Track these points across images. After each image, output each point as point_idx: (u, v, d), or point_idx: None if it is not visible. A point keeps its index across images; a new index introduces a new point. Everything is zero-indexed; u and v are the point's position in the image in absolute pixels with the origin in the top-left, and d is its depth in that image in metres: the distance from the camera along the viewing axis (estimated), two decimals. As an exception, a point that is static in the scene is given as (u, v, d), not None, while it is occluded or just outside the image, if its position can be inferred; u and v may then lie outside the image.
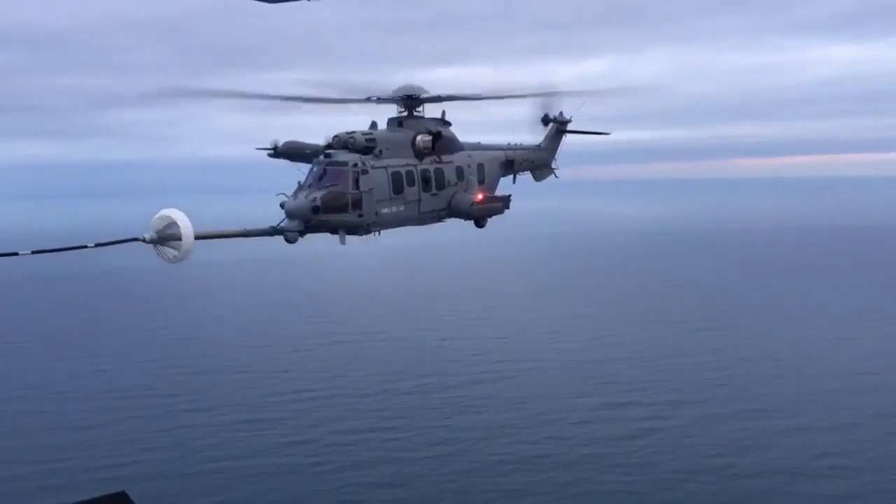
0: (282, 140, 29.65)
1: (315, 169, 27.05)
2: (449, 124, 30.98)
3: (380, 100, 29.14)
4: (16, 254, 21.47)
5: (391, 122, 29.80)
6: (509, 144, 35.66)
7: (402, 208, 28.31)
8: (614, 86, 32.67)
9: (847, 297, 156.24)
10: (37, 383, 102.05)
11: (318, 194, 25.96)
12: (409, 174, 28.57)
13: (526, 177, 37.20)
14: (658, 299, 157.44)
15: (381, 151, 27.78)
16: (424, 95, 29.36)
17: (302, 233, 26.08)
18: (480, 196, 30.73)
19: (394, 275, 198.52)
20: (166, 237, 22.44)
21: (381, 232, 28.25)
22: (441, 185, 29.73)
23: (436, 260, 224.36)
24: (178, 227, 22.26)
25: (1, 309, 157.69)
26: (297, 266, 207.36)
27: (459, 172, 30.63)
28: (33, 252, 21.50)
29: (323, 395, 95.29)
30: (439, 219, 30.45)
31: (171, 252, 22.55)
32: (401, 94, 29.15)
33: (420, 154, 28.97)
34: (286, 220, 26.03)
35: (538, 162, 37.20)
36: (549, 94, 34.48)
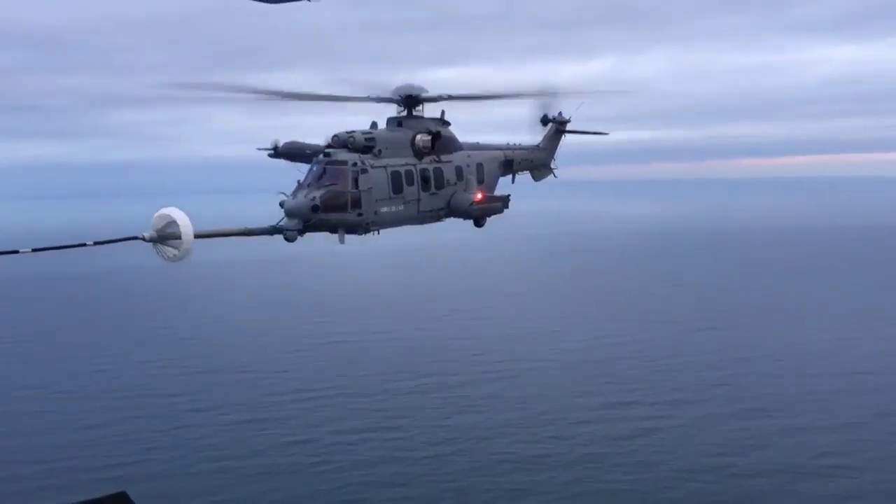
0: (282, 140, 29.68)
1: (314, 168, 27.06)
2: (448, 124, 31.00)
3: (379, 99, 29.16)
4: (16, 251, 21.48)
5: (390, 121, 29.81)
6: (508, 144, 35.67)
7: (401, 208, 28.32)
8: (612, 86, 32.63)
9: (847, 297, 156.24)
10: (37, 383, 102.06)
11: (318, 193, 25.97)
12: (409, 174, 28.58)
13: (525, 177, 37.21)
14: (658, 299, 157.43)
15: (380, 151, 27.79)
16: (424, 95, 29.37)
17: (301, 232, 26.08)
18: (480, 195, 30.73)
19: (394, 275, 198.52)
20: (166, 236, 22.44)
21: (381, 231, 28.25)
22: (440, 184, 29.73)
23: (436, 260, 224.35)
24: (177, 225, 22.25)
25: (1, 309, 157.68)
26: (298, 266, 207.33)
27: (459, 172, 30.63)
28: (34, 250, 21.51)
29: (324, 394, 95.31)
30: (438, 218, 30.45)
31: (170, 251, 22.55)
32: (400, 94, 29.16)
33: (419, 154, 28.98)
34: (286, 219, 26.04)
35: (537, 162, 37.20)
36: (547, 94, 34.45)
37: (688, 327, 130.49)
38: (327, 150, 27.40)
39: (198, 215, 23.55)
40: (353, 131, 27.72)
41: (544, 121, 37.38)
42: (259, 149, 30.30)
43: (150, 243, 22.53)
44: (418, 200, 28.98)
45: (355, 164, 26.85)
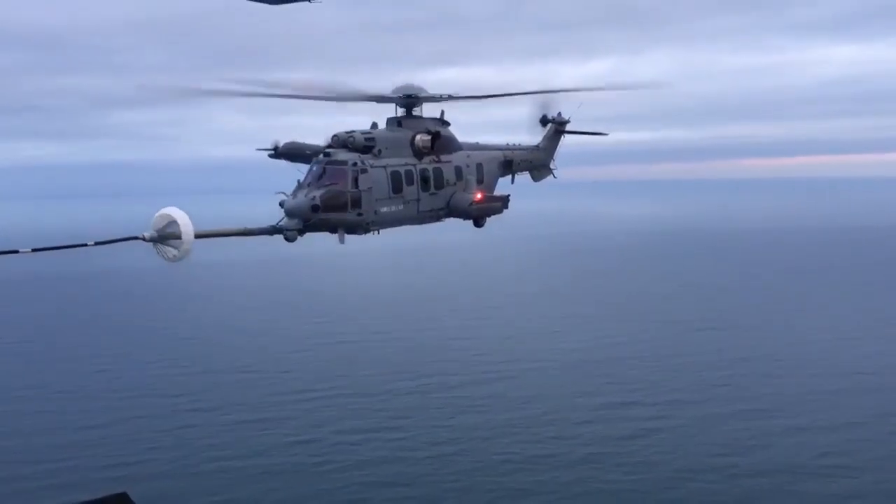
0: (282, 141, 29.71)
1: (314, 168, 27.09)
2: (447, 124, 31.04)
3: (379, 99, 29.18)
4: (16, 251, 21.53)
5: (390, 121, 29.85)
6: (508, 145, 35.70)
7: (401, 207, 28.36)
8: (612, 84, 32.62)
9: (847, 297, 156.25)
10: (37, 383, 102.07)
11: (318, 193, 26.00)
12: (409, 173, 28.62)
13: (525, 177, 37.24)
14: (659, 299, 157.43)
15: (380, 151, 27.83)
16: (423, 95, 29.40)
17: (301, 231, 26.12)
18: (479, 195, 30.78)
19: (394, 275, 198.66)
20: (166, 236, 22.47)
21: (381, 231, 28.29)
22: (440, 184, 29.77)
23: (436, 260, 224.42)
24: (177, 225, 22.28)
25: (2, 309, 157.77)
26: (298, 266, 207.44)
27: (458, 172, 30.67)
28: (34, 250, 21.54)
29: (325, 395, 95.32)
30: (438, 218, 30.48)
31: (170, 251, 22.58)
32: (400, 94, 29.19)
33: (419, 153, 29.02)
34: (285, 219, 26.06)
35: (536, 162, 37.25)
36: (546, 94, 34.48)
37: (688, 327, 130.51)
38: (327, 150, 27.45)
39: (198, 215, 23.58)
40: (353, 131, 27.77)
41: (543, 121, 37.43)
42: (259, 149, 30.34)
43: (151, 243, 22.56)
44: (418, 200, 29.03)
45: (355, 164, 26.88)
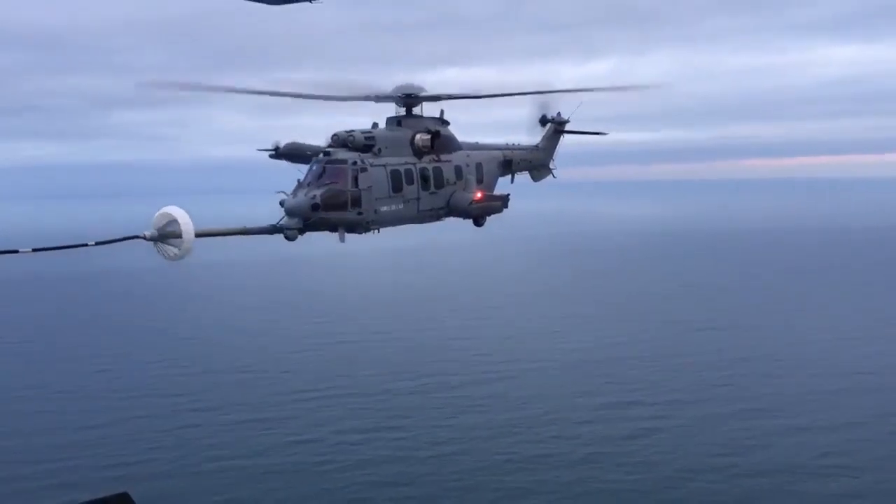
0: (283, 141, 29.74)
1: (314, 167, 27.11)
2: (447, 123, 31.05)
3: (378, 98, 29.20)
4: (16, 251, 21.52)
5: (390, 121, 29.87)
6: (507, 144, 35.71)
7: (401, 206, 28.37)
8: (612, 84, 32.68)
9: (848, 297, 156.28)
10: (38, 383, 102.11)
11: (318, 192, 26.01)
12: (408, 173, 28.63)
13: (525, 177, 37.24)
14: (659, 299, 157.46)
15: (380, 150, 27.86)
16: (423, 94, 29.42)
17: (301, 230, 26.12)
18: (479, 195, 30.79)
19: (394, 275, 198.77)
20: (167, 235, 22.48)
21: (381, 230, 28.31)
22: (440, 183, 29.80)
23: (436, 260, 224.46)
24: (178, 224, 22.28)
25: (3, 309, 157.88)
26: (299, 266, 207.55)
27: (458, 171, 30.70)
28: (34, 250, 21.54)
29: (326, 394, 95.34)
30: (438, 217, 30.50)
31: (171, 250, 22.58)
32: (399, 93, 29.21)
33: (419, 153, 29.05)
34: (286, 219, 26.08)
35: (536, 162, 37.26)
36: (545, 93, 34.49)
37: (688, 327, 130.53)
38: (327, 150, 27.47)
39: (199, 216, 23.59)
40: (353, 130, 27.80)
41: (543, 121, 37.43)
42: (259, 149, 30.38)
43: (151, 242, 22.58)
44: (418, 199, 29.04)
45: (355, 163, 26.90)
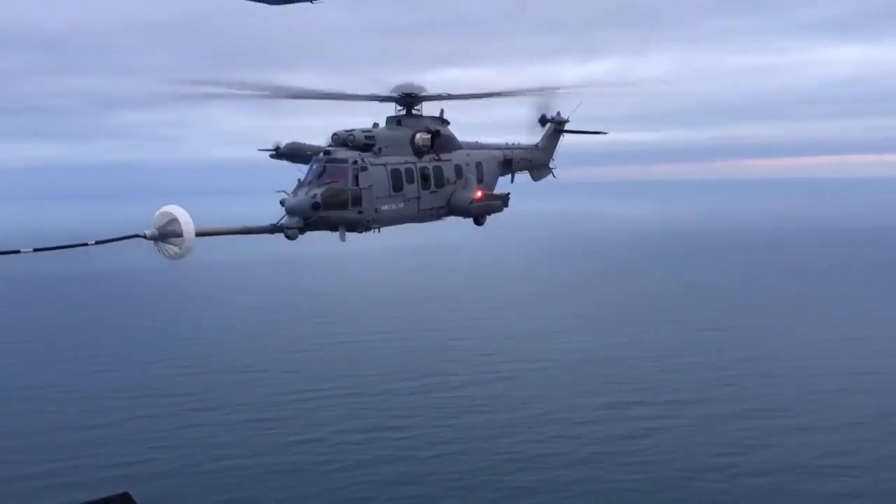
0: (283, 141, 29.78)
1: (315, 166, 27.15)
2: (447, 123, 31.09)
3: (378, 98, 29.25)
4: (17, 251, 21.52)
5: (390, 120, 29.92)
6: (507, 144, 35.74)
7: (401, 205, 28.40)
8: (610, 82, 32.68)
9: (849, 297, 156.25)
10: (39, 383, 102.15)
11: (319, 191, 26.05)
12: (409, 171, 28.67)
13: (525, 178, 37.27)
14: (661, 300, 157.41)
15: (380, 149, 27.90)
16: (423, 94, 29.46)
17: (302, 230, 26.14)
18: (479, 194, 30.84)
19: (395, 275, 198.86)
20: (167, 234, 22.49)
21: (381, 229, 28.34)
22: (440, 182, 29.84)
23: (438, 261, 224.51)
24: (179, 223, 22.30)
25: (4, 309, 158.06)
26: (300, 266, 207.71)
27: (458, 171, 30.74)
28: (35, 250, 21.55)
29: (328, 394, 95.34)
30: (438, 216, 30.53)
31: (172, 249, 22.60)
32: (399, 93, 29.24)
33: (419, 152, 29.09)
34: (286, 218, 26.10)
35: (536, 162, 37.29)
36: (546, 91, 34.51)
37: (690, 327, 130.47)
38: (327, 149, 27.50)
39: (200, 216, 23.58)
40: (353, 130, 27.85)
41: (542, 121, 37.45)
42: (260, 149, 30.43)
43: (152, 241, 22.60)
44: (418, 198, 29.08)
45: (355, 162, 26.94)
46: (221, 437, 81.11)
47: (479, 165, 32.20)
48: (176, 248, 22.57)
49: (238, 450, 77.14)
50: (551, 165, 38.27)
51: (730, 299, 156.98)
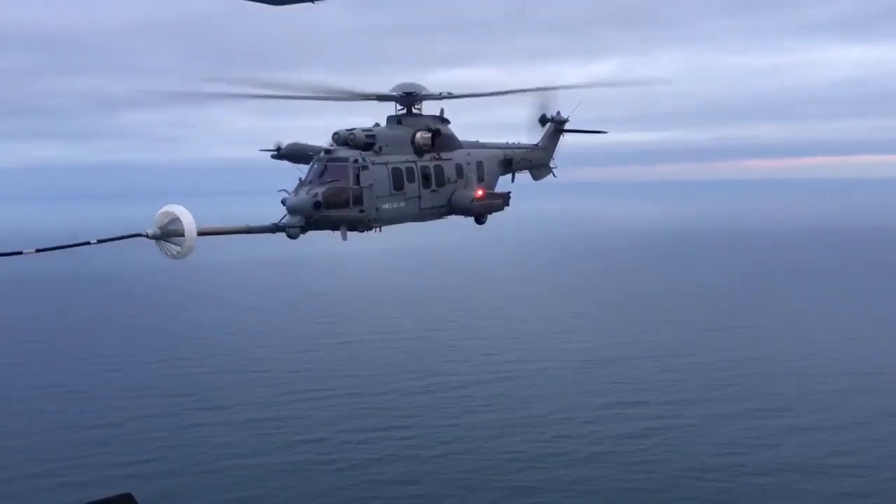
0: (285, 142, 29.83)
1: (316, 165, 27.20)
2: (447, 122, 31.11)
3: (378, 97, 29.29)
4: (20, 252, 21.52)
5: (390, 119, 29.96)
6: (507, 144, 35.79)
7: (402, 204, 28.43)
8: (609, 81, 32.67)
9: (851, 297, 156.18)
10: (40, 383, 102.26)
11: (320, 190, 26.08)
12: (410, 170, 28.71)
13: (526, 179, 37.27)
14: (664, 300, 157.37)
15: (380, 148, 27.94)
16: (423, 93, 29.50)
17: (304, 229, 26.16)
18: (480, 192, 30.87)
19: (397, 276, 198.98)
20: (169, 233, 22.51)
21: (382, 228, 28.39)
22: (441, 181, 29.87)
23: (439, 261, 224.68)
24: (180, 223, 22.31)
25: (7, 309, 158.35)
26: (303, 267, 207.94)
27: (459, 170, 30.77)
28: (37, 250, 21.55)
29: (330, 394, 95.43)
30: (440, 215, 30.55)
31: (173, 248, 22.63)
32: (399, 92, 29.29)
33: (420, 151, 29.11)
34: (288, 217, 26.16)
35: (536, 161, 37.27)
36: (545, 91, 34.51)
37: (691, 327, 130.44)
38: (328, 148, 27.57)
39: (202, 217, 23.61)
40: (354, 129, 27.88)
41: (542, 120, 37.44)
42: (262, 150, 30.49)
43: (154, 240, 22.65)
44: (419, 197, 29.11)
45: (356, 161, 26.99)
46: (223, 437, 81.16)
47: (479, 165, 32.23)
48: (178, 248, 22.59)
49: (240, 449, 77.18)
50: (552, 165, 38.22)
51: (730, 299, 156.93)
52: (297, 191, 26.54)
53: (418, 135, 28.95)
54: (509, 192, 32.33)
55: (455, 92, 29.81)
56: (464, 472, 71.09)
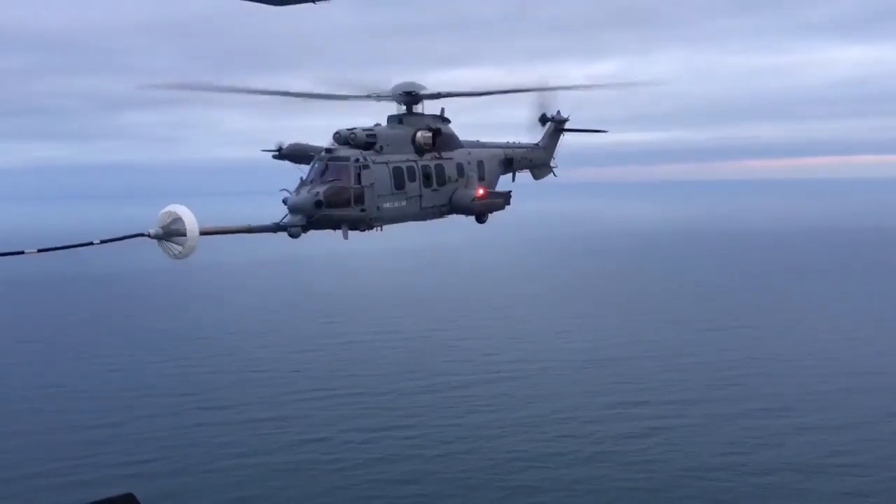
0: (286, 142, 29.88)
1: (317, 165, 27.25)
2: (448, 121, 31.16)
3: (379, 97, 29.33)
4: (22, 252, 21.55)
5: (391, 119, 30.01)
6: (508, 143, 35.84)
7: (403, 203, 28.47)
8: (609, 81, 32.69)
9: (851, 297, 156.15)
10: (42, 383, 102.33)
11: (321, 189, 26.12)
12: (410, 170, 28.75)
13: (527, 180, 37.32)
14: (663, 300, 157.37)
15: (381, 147, 27.98)
16: (423, 92, 29.54)
17: (305, 228, 26.19)
18: (481, 191, 30.93)
19: (398, 276, 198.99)
20: (171, 232, 22.55)
21: (384, 227, 28.44)
22: (442, 180, 29.91)
23: (441, 261, 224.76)
24: (182, 222, 22.34)
25: (10, 309, 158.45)
26: (303, 267, 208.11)
27: (460, 169, 30.82)
28: (39, 250, 21.58)
29: (332, 394, 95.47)
30: (441, 214, 30.59)
31: (175, 247, 22.66)
32: (400, 92, 29.33)
33: (420, 150, 29.15)
34: (289, 216, 26.19)
35: (537, 161, 37.33)
36: (544, 90, 34.56)
37: (692, 327, 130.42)
38: (329, 147, 27.61)
39: (204, 217, 23.64)
40: (355, 128, 27.92)
41: (543, 120, 37.50)
42: (263, 150, 30.55)
43: (156, 240, 22.69)
44: (420, 196, 29.15)
45: (357, 160, 27.03)
46: (225, 436, 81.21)
47: (480, 164, 32.28)
48: (180, 247, 22.63)
49: (242, 449, 77.23)
50: (552, 164, 38.31)
51: (730, 299, 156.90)
52: (298, 190, 26.57)
53: (419, 134, 29.00)
54: (510, 191, 32.39)
55: (454, 90, 29.84)
56: (466, 471, 71.14)
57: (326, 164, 26.94)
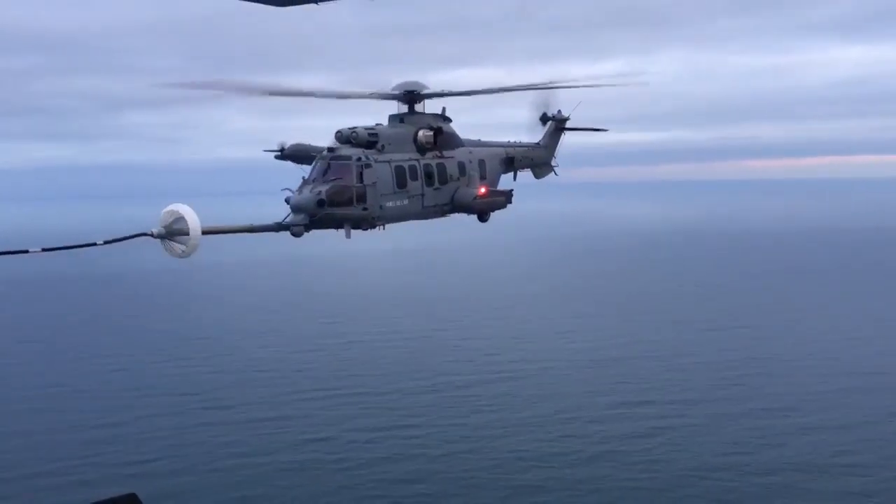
0: (288, 142, 29.91)
1: (319, 164, 27.25)
2: (449, 120, 31.18)
3: (380, 96, 29.33)
4: (26, 251, 21.56)
5: (392, 118, 30.02)
6: (509, 142, 35.87)
7: (405, 202, 28.47)
8: (608, 80, 32.56)
9: (851, 297, 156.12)
10: (44, 383, 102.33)
11: (323, 188, 26.12)
12: (412, 168, 28.76)
13: (528, 180, 37.34)
14: (663, 300, 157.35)
15: (383, 146, 27.99)
16: (424, 91, 29.54)
17: (307, 227, 26.19)
18: (483, 190, 30.95)
19: (400, 276, 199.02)
20: (174, 232, 22.54)
21: (386, 226, 28.44)
22: (443, 179, 29.92)
23: (442, 261, 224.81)
24: (185, 221, 22.33)
25: (12, 309, 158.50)
26: (304, 267, 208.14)
27: (461, 168, 30.85)
28: (43, 249, 21.60)
29: (334, 394, 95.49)
30: (443, 213, 30.61)
31: (178, 247, 22.65)
32: (401, 91, 29.33)
33: (422, 149, 29.16)
34: (292, 215, 26.18)
35: (538, 160, 37.39)
36: (545, 90, 34.55)
37: (692, 327, 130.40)
38: (331, 147, 27.61)
39: (206, 218, 23.63)
40: (356, 127, 27.93)
41: (543, 119, 37.54)
42: (265, 150, 30.57)
43: (159, 239, 22.67)
44: (422, 195, 29.15)
45: (359, 159, 27.04)
46: (227, 436, 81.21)
47: (481, 163, 32.29)
48: (182, 247, 22.61)
49: (244, 448, 77.24)
50: (553, 163, 38.35)
51: (731, 299, 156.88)
52: (300, 189, 26.57)
53: (421, 133, 29.00)
54: (511, 190, 32.41)
55: (455, 89, 29.83)
56: (469, 470, 71.16)
57: (329, 164, 26.94)
